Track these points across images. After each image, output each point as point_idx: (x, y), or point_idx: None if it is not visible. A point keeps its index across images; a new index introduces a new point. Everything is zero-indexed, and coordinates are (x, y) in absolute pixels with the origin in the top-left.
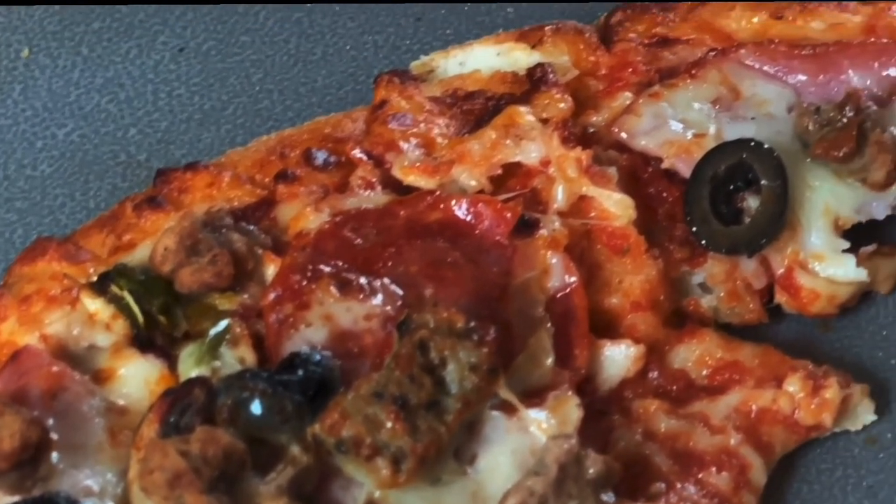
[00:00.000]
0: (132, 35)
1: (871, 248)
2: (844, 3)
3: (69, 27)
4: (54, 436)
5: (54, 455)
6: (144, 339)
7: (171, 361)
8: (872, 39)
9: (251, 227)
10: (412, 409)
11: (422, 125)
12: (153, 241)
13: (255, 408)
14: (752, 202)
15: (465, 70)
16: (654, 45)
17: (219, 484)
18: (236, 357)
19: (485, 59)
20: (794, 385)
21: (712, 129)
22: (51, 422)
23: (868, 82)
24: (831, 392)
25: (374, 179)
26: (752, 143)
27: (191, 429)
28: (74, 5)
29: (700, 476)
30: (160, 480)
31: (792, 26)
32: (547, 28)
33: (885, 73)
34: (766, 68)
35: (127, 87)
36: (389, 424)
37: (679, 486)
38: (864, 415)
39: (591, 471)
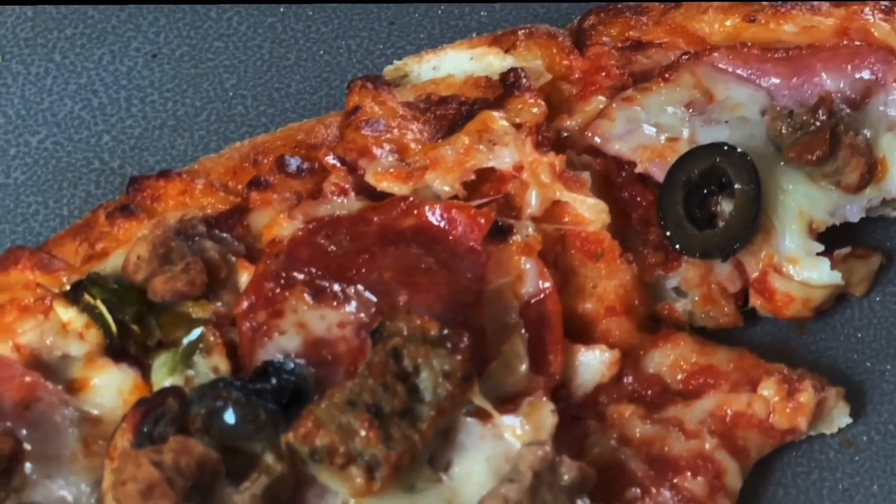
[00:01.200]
0: (105, 41)
1: (845, 250)
2: (817, 5)
3: (42, 34)
4: (27, 446)
5: (28, 466)
6: (118, 349)
7: (145, 370)
8: (845, 42)
9: (224, 235)
10: (386, 417)
11: (395, 131)
12: (126, 249)
13: (229, 417)
14: (725, 206)
15: (438, 74)
16: (628, 48)
17: (193, 494)
18: (210, 366)
19: (458, 63)
20: (768, 389)
21: (685, 133)
22: (24, 432)
23: (841, 85)
24: (806, 396)
25: (347, 186)
26: (726, 147)
27: (164, 438)
28: (46, 11)
29: (675, 481)
30: (133, 491)
31: (765, 29)
32: (520, 32)
33: (857, 76)
34: (739, 71)
35: (100, 93)
36: (363, 433)
37: (654, 491)
38: (840, 418)
39: (565, 477)
